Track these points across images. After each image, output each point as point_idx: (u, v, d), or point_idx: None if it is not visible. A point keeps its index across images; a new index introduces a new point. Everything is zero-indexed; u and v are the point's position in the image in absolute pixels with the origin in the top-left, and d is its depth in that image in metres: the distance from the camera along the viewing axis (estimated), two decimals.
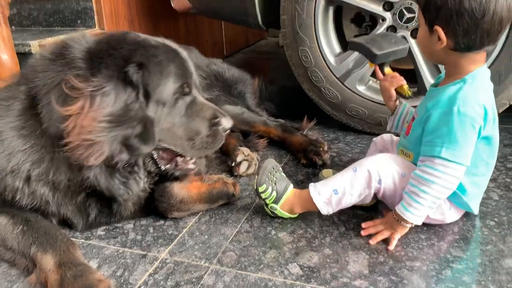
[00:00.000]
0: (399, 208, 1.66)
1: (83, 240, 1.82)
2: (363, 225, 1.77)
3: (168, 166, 1.83)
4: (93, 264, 1.67)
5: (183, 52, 1.83)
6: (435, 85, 1.78)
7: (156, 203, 1.89)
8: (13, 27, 2.75)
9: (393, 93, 1.94)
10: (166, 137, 1.75)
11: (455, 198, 1.71)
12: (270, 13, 2.90)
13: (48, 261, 1.55)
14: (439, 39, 1.56)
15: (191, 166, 1.88)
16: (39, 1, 3.41)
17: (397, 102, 1.97)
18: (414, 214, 1.63)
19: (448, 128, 1.57)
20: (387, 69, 1.95)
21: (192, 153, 1.83)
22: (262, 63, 5.11)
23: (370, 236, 1.73)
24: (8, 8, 2.60)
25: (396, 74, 1.94)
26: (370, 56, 1.90)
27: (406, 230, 1.70)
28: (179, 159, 1.84)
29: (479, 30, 1.49)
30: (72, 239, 1.72)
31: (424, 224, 1.77)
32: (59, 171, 1.67)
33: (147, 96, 1.65)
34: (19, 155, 1.65)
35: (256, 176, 1.86)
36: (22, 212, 1.73)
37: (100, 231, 1.87)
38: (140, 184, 1.79)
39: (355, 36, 3.06)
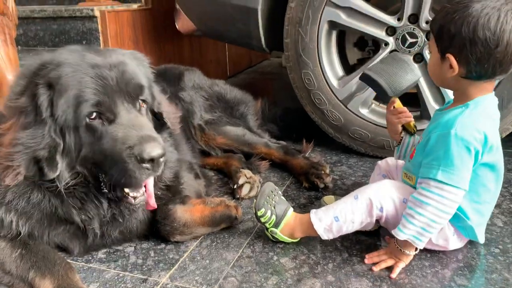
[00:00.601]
0: (395, 231, 1.65)
1: (83, 263, 1.80)
2: (367, 256, 1.75)
3: (110, 195, 1.69)
4: None
5: (113, 61, 1.64)
6: (441, 110, 1.78)
7: (159, 225, 1.87)
8: (19, 47, 2.78)
9: (400, 128, 1.94)
10: (97, 161, 1.61)
11: (458, 223, 1.70)
12: (273, 36, 2.93)
13: (46, 286, 1.54)
14: (451, 66, 1.56)
15: (130, 200, 1.67)
16: (45, 22, 3.46)
17: (402, 134, 1.96)
18: (406, 233, 1.62)
19: (445, 151, 1.56)
20: (397, 103, 1.93)
21: (115, 184, 1.63)
22: (265, 84, 5.14)
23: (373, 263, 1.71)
24: (15, 30, 2.64)
25: (405, 109, 1.93)
26: (383, 95, 1.87)
27: (410, 258, 1.68)
28: (118, 190, 1.67)
29: (492, 60, 1.50)
30: (72, 262, 1.71)
31: (427, 250, 1.76)
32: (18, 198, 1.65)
33: (57, 119, 1.56)
34: None
35: (255, 200, 1.85)
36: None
37: (100, 254, 1.86)
38: (100, 209, 1.70)
39: (358, 60, 3.09)
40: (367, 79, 1.89)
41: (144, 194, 1.67)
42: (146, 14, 3.75)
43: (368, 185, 1.80)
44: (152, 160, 1.53)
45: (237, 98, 2.93)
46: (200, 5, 3.14)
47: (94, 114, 1.56)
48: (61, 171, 1.60)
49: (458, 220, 1.68)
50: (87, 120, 1.56)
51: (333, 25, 2.62)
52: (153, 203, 1.70)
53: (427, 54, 2.48)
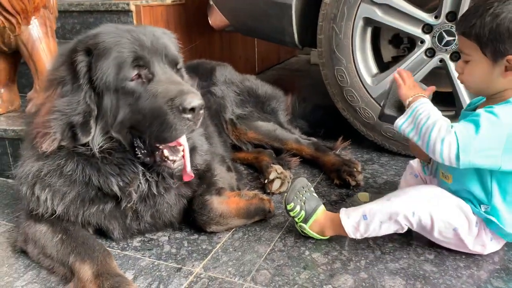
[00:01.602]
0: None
1: (119, 251, 1.85)
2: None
3: (148, 159, 1.73)
4: (129, 275, 1.69)
5: (146, 29, 1.73)
6: (472, 109, 1.74)
7: (195, 215, 1.90)
8: (57, 39, 2.86)
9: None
10: (133, 124, 1.66)
11: (496, 229, 1.67)
12: (306, 32, 2.92)
13: (86, 271, 1.58)
14: (507, 69, 1.52)
15: (169, 164, 1.71)
16: (82, 16, 3.54)
17: None
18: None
19: (474, 117, 1.53)
20: None
21: (155, 140, 1.66)
22: (293, 81, 5.13)
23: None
24: (55, 22, 2.72)
25: None
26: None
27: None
28: (157, 154, 1.71)
29: None
30: (108, 249, 1.75)
31: (462, 252, 1.73)
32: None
33: (95, 84, 1.62)
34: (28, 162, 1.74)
35: (285, 194, 1.86)
36: (61, 221, 1.78)
37: (135, 243, 1.90)
38: (138, 175, 1.72)
39: (393, 57, 3.06)
40: (387, 119, 1.85)
41: (182, 159, 1.72)
42: (179, 9, 3.79)
43: (403, 190, 1.77)
44: (193, 110, 1.57)
45: (268, 94, 2.94)
46: (233, 1, 3.16)
47: (134, 73, 1.62)
48: (95, 136, 1.66)
49: (495, 227, 1.65)
50: (127, 81, 1.62)
51: (368, 21, 2.59)
52: (190, 171, 1.75)
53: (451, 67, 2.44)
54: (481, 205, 1.66)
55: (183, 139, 1.72)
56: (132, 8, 3.33)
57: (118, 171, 1.71)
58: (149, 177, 1.77)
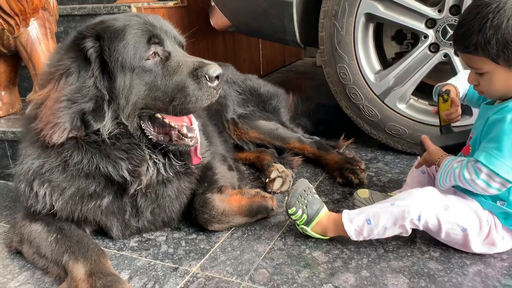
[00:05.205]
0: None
1: (115, 251, 1.81)
2: None
3: (161, 138, 1.73)
4: (125, 275, 1.65)
5: (150, 15, 1.77)
6: (491, 102, 1.68)
7: (197, 213, 1.87)
8: (59, 44, 2.86)
9: None
10: (148, 103, 1.66)
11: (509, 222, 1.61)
12: (308, 30, 2.89)
13: (79, 270, 1.55)
14: None
15: (187, 142, 1.74)
16: (85, 19, 3.53)
17: None
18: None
19: (496, 134, 1.49)
20: None
21: (178, 114, 1.68)
22: (299, 82, 5.10)
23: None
24: (56, 24, 2.72)
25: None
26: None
27: None
28: (174, 133, 1.74)
29: None
30: (104, 249, 1.72)
31: None
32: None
33: (107, 68, 1.61)
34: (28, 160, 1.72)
35: (286, 197, 1.80)
36: (56, 221, 1.75)
37: (133, 243, 1.87)
38: (145, 158, 1.70)
39: (396, 54, 3.01)
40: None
41: (196, 136, 1.76)
42: (182, 12, 3.78)
43: (407, 193, 1.70)
44: (217, 78, 1.65)
45: (270, 93, 2.90)
46: (234, 1, 3.14)
47: (151, 52, 1.64)
48: (106, 121, 1.63)
49: (510, 221, 1.60)
50: (144, 60, 1.63)
51: (370, 17, 2.55)
52: (200, 154, 1.80)
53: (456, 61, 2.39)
54: (497, 201, 1.61)
55: (194, 120, 1.78)
56: (134, 10, 3.32)
57: (126, 155, 1.68)
58: (156, 159, 1.75)
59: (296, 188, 1.80)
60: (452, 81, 1.93)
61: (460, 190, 1.67)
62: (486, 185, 1.52)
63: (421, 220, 1.61)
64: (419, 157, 1.88)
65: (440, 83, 1.95)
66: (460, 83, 1.91)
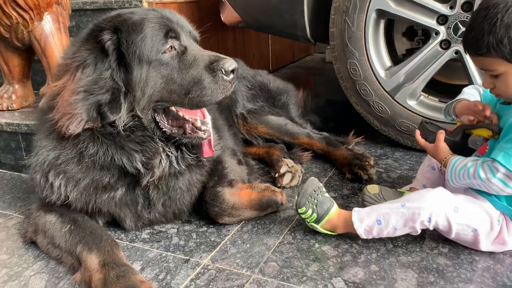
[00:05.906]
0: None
1: (127, 243, 1.84)
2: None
3: (175, 131, 1.75)
4: (137, 266, 1.68)
5: (166, 9, 1.79)
6: (507, 103, 1.67)
7: (207, 206, 1.89)
8: (71, 38, 2.89)
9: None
10: (164, 96, 1.69)
11: None
12: (318, 26, 2.89)
13: (92, 260, 1.58)
14: None
15: (201, 135, 1.77)
16: (96, 14, 3.56)
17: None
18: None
19: None
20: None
21: (194, 107, 1.72)
22: (308, 78, 5.09)
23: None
24: (69, 19, 2.74)
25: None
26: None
27: None
28: (188, 126, 1.76)
29: None
30: (117, 241, 1.75)
31: None
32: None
33: (124, 60, 1.63)
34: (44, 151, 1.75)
35: (296, 197, 1.81)
36: (70, 212, 1.78)
37: (144, 235, 1.89)
38: (158, 150, 1.73)
39: (407, 50, 3.00)
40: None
41: (209, 130, 1.79)
42: (193, 7, 3.79)
43: (418, 194, 1.69)
44: (232, 72, 1.68)
45: (279, 88, 2.91)
46: None
47: (168, 45, 1.67)
48: (122, 113, 1.65)
49: None
50: (161, 53, 1.65)
51: (381, 13, 2.54)
52: (212, 147, 1.83)
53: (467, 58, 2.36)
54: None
55: (207, 113, 1.81)
56: (145, 5, 3.34)
57: (140, 148, 1.71)
58: (169, 152, 1.78)
59: (306, 188, 1.81)
60: (460, 97, 1.89)
61: (473, 190, 1.67)
62: (503, 184, 1.52)
63: (431, 222, 1.62)
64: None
65: (450, 101, 1.90)
66: (468, 96, 1.89)
